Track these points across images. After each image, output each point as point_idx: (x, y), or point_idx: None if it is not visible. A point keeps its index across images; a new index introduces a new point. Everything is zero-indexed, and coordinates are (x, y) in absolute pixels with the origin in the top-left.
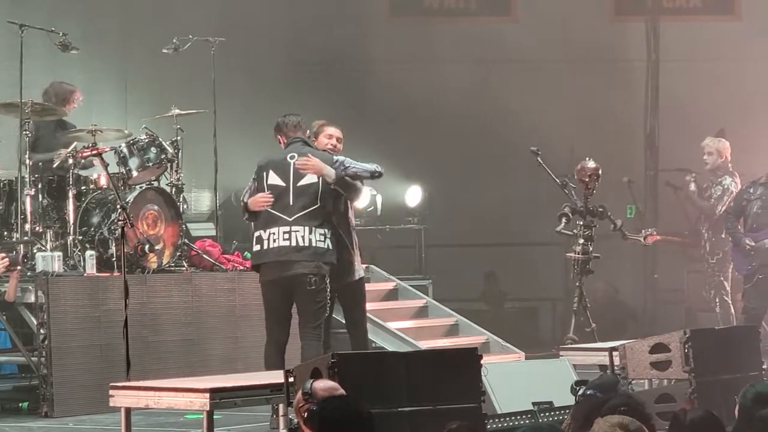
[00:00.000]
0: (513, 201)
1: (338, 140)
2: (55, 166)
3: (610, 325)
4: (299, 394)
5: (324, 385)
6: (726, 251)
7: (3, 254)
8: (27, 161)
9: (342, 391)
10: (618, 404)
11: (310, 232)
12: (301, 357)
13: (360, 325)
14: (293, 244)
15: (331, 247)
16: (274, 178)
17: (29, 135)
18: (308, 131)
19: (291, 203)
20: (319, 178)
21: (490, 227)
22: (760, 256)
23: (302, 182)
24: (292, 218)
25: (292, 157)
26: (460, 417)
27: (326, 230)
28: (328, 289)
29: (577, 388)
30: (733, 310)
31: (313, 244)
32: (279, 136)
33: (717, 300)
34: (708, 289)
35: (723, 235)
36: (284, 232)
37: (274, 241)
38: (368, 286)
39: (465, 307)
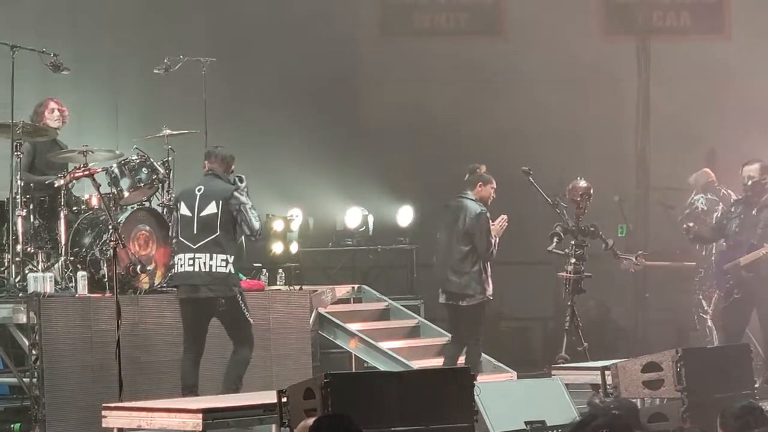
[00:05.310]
0: None
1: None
2: (57, 185)
3: (602, 345)
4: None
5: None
6: (707, 269)
7: None
8: (19, 182)
9: None
10: (602, 425)
11: (211, 259)
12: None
13: (465, 343)
14: (196, 269)
15: (232, 272)
16: (184, 209)
17: (21, 156)
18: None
19: (195, 232)
20: (218, 209)
21: None
22: (735, 275)
23: (204, 213)
24: (196, 246)
25: (199, 189)
26: None
27: (229, 256)
28: (242, 306)
29: (597, 401)
30: (708, 330)
31: (214, 270)
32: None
33: (695, 318)
34: (695, 309)
35: (704, 252)
36: (189, 258)
37: (181, 266)
38: (360, 306)
39: None
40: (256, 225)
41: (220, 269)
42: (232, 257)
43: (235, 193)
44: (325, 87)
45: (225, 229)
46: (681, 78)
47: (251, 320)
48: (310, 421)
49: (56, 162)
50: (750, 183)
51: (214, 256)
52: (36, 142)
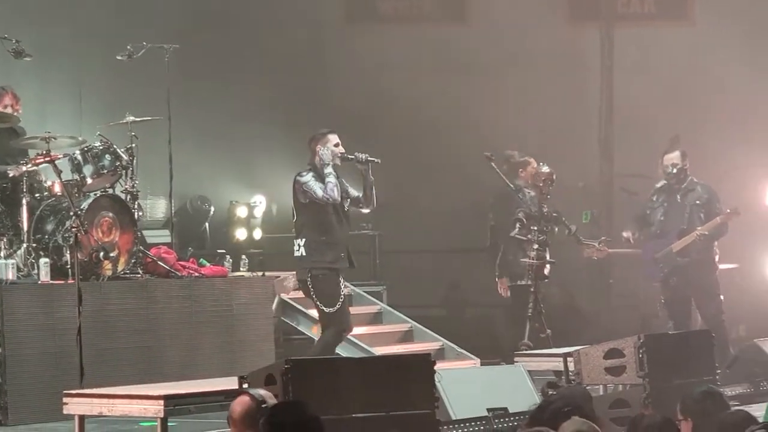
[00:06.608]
0: (467, 207)
1: None
2: (11, 175)
3: (565, 331)
4: (248, 401)
5: (266, 392)
6: None
7: None
8: None
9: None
10: (561, 406)
11: (293, 245)
12: None
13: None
14: None
15: (304, 254)
16: None
17: None
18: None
19: None
20: (292, 197)
21: (445, 233)
22: (669, 262)
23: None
24: None
25: None
26: (413, 423)
27: (301, 239)
28: (311, 289)
29: (549, 391)
30: None
31: (295, 255)
32: None
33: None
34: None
35: None
36: None
37: None
38: None
39: (420, 314)
40: (319, 193)
41: (296, 253)
42: (304, 240)
43: (296, 177)
44: (290, 73)
45: (297, 213)
46: (645, 64)
47: (322, 306)
48: (245, 397)
49: (15, 148)
50: (675, 171)
51: (294, 241)
52: None
